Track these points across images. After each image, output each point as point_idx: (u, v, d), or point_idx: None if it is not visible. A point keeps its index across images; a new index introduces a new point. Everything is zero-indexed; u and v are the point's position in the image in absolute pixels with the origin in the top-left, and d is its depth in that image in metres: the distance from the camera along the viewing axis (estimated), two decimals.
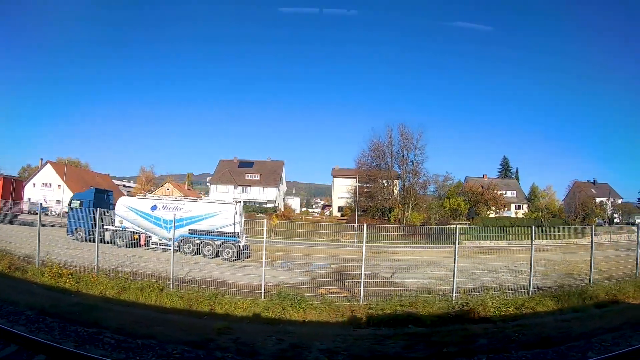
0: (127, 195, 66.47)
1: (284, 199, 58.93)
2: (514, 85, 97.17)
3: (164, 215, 17.17)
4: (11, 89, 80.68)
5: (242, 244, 16.23)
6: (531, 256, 9.74)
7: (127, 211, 18.05)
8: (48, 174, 59.17)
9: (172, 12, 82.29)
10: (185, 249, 16.15)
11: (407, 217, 40.73)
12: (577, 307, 8.12)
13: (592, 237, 11.04)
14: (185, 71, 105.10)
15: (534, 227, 10.68)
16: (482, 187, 53.33)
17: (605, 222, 56.32)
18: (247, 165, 54.59)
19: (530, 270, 9.67)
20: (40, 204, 19.04)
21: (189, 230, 16.29)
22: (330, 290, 9.25)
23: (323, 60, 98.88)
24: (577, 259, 16.17)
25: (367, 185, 42.45)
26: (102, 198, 20.77)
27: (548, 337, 5.84)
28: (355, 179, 43.79)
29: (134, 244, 16.78)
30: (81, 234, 17.41)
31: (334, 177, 51.66)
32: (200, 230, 16.12)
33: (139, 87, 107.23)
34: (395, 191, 42.11)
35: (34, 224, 11.32)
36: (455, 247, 9.48)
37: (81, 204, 19.84)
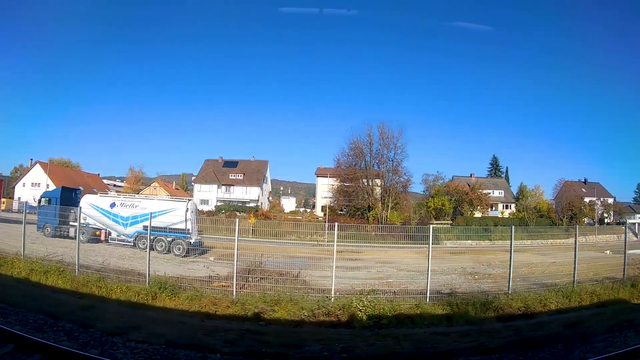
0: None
1: (269, 198, 58.60)
2: (508, 85, 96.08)
3: (121, 212, 17.98)
4: (6, 89, 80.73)
5: (192, 240, 16.59)
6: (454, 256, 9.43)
7: (90, 208, 18.34)
8: (37, 173, 59.37)
9: (167, 11, 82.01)
10: (140, 245, 16.61)
11: (386, 216, 40.22)
12: (474, 319, 7.50)
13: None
14: (182, 71, 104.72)
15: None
16: (469, 185, 52.72)
17: (594, 222, 55.49)
18: (231, 165, 54.26)
19: (428, 274, 9.00)
20: (26, 202, 19.43)
21: (143, 226, 16.64)
22: (221, 284, 9.14)
23: (322, 60, 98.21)
24: (548, 260, 15.74)
25: (347, 184, 41.96)
26: (69, 196, 21.49)
27: (394, 352, 5.17)
28: (338, 178, 43.38)
29: (97, 239, 17.44)
30: (49, 229, 18.02)
31: (317, 176, 51.15)
32: (154, 227, 16.23)
33: (132, 87, 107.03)
34: (377, 190, 41.54)
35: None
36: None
37: (49, 202, 20.57)
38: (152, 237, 15.87)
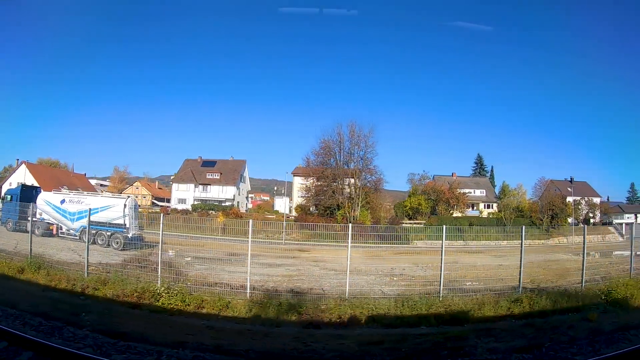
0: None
1: (247, 197, 58.53)
2: (499, 84, 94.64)
3: (69, 208, 19.16)
4: None
5: (129, 235, 17.48)
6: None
7: (44, 205, 19.70)
8: (23, 173, 60.52)
9: (164, 10, 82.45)
10: (84, 238, 17.20)
11: (356, 215, 39.76)
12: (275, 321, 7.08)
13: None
14: (176, 71, 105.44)
15: (444, 227, 10.05)
16: (449, 184, 51.93)
17: (578, 222, 54.11)
18: (209, 164, 54.36)
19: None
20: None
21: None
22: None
23: (321, 60, 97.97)
24: (505, 263, 15.25)
25: (317, 184, 41.62)
26: (29, 193, 23.17)
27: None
28: (314, 178, 43.07)
29: (50, 233, 18.60)
30: (10, 224, 19.05)
31: (294, 175, 50.88)
32: (96, 222, 17.23)
33: (123, 88, 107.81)
34: (348, 189, 41.12)
35: None
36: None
37: (11, 199, 22.57)
38: (94, 232, 17.13)
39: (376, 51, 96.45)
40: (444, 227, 10.24)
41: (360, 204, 40.59)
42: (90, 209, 15.58)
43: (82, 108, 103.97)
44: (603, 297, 8.46)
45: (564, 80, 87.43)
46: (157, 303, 7.29)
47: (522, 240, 10.49)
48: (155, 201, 58.25)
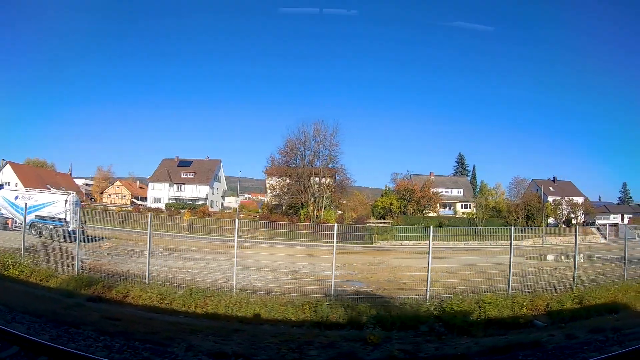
0: (86, 192, 68.35)
1: (222, 196, 58.71)
2: (493, 84, 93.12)
3: (21, 203, 20.32)
4: None
5: (69, 229, 18.65)
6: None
7: (2, 201, 21.30)
8: (8, 174, 61.87)
9: (159, 10, 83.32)
10: (32, 231, 18.56)
11: (320, 214, 39.49)
12: None
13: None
14: (170, 70, 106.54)
15: (336, 226, 9.75)
16: (425, 183, 51.17)
17: (558, 223, 52.71)
18: (185, 164, 54.71)
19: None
20: None
21: (35, 216, 19.21)
22: None
23: (321, 60, 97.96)
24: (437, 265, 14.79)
25: (282, 183, 41.46)
26: None
27: None
28: (277, 176, 42.99)
29: (7, 227, 19.97)
30: None
31: (266, 174, 50.79)
32: (42, 216, 19.07)
33: (113, 88, 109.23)
34: (313, 188, 40.86)
35: None
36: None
37: None
38: (39, 225, 18.95)
39: (373, 50, 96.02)
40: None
41: (324, 203, 40.28)
42: (26, 204, 16.86)
43: (70, 109, 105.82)
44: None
45: (555, 79, 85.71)
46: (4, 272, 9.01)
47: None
48: (134, 200, 58.88)
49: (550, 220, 52.99)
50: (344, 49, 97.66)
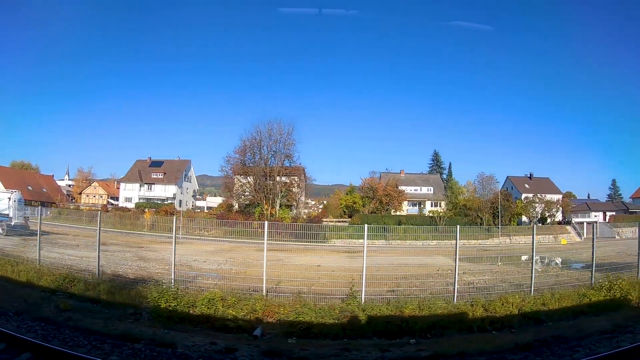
0: (67, 193, 69.85)
1: (193, 195, 59.28)
2: (488, 83, 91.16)
3: None
4: None
5: (12, 223, 20.48)
6: None
7: None
8: None
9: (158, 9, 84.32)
10: None
11: (274, 213, 39.48)
12: None
13: None
14: (169, 71, 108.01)
15: (175, 219, 9.69)
16: (395, 181, 50.55)
17: (530, 221, 51.18)
18: (157, 164, 55.45)
19: None
20: None
21: None
22: None
23: (321, 59, 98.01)
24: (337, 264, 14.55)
25: (239, 182, 41.58)
26: None
27: None
28: (245, 176, 43.10)
29: None
30: None
31: (234, 174, 51.03)
32: None
33: (98, 90, 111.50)
34: (268, 187, 40.85)
35: None
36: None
37: None
38: None
39: (363, 50, 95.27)
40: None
41: (279, 202, 40.23)
42: None
43: (54, 112, 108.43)
44: None
45: (547, 77, 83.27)
46: None
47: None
48: (110, 200, 60.05)
49: (525, 218, 51.63)
50: (333, 50, 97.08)
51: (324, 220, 42.03)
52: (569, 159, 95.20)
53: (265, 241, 9.19)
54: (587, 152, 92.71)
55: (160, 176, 53.50)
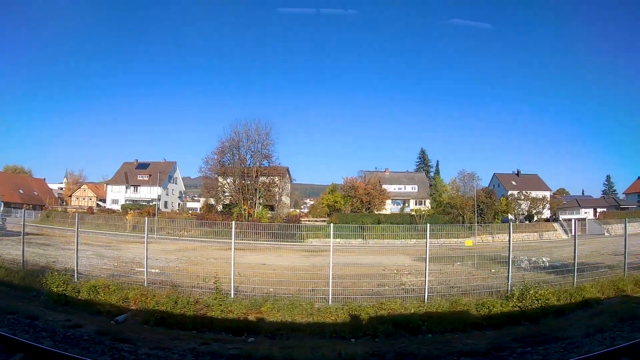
0: (58, 196, 70.70)
1: (180, 197, 59.71)
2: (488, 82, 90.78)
3: None
4: None
5: None
6: None
7: None
8: None
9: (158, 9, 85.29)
10: None
11: (253, 213, 39.62)
12: None
13: None
14: (169, 70, 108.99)
15: (233, 223, 9.52)
16: (378, 180, 50.47)
17: (516, 218, 50.68)
18: (143, 166, 56.01)
19: None
20: None
21: None
22: None
23: (320, 60, 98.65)
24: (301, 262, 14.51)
25: (217, 183, 41.86)
26: None
27: None
28: (225, 177, 43.33)
29: None
30: None
31: (218, 175, 51.35)
32: None
33: (93, 94, 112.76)
34: (245, 187, 41.06)
35: None
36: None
37: None
38: None
39: (369, 50, 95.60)
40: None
41: (257, 202, 40.38)
42: None
43: (47, 116, 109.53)
44: None
45: (541, 74, 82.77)
46: None
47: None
48: (99, 202, 60.69)
49: (511, 216, 51.16)
50: (329, 50, 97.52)
51: (304, 220, 42.10)
52: (563, 155, 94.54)
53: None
54: (582, 149, 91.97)
55: (146, 178, 54.01)
